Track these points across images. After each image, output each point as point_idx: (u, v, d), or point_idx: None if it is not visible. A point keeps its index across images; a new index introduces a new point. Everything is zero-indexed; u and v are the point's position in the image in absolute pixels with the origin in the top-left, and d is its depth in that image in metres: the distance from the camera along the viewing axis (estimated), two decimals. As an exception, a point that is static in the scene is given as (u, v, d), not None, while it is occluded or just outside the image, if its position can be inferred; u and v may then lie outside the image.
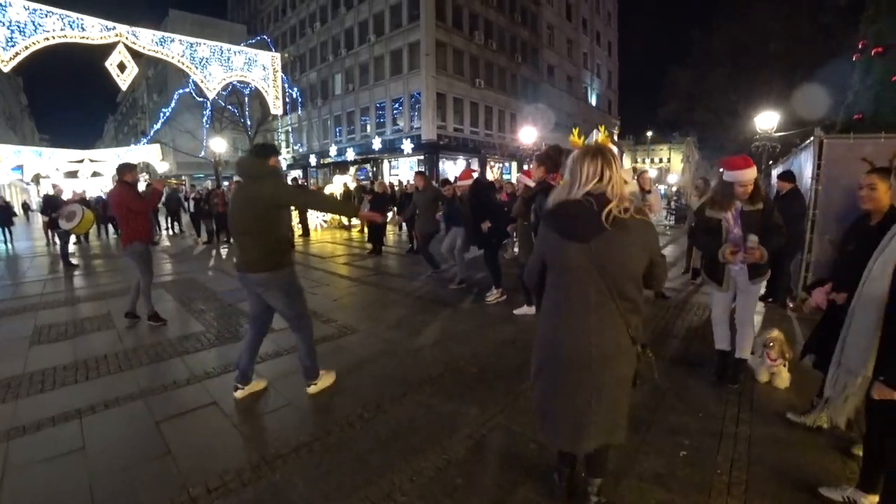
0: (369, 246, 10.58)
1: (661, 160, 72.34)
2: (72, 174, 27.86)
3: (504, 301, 6.05)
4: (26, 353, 4.41)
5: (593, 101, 46.70)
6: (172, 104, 24.17)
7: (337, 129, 34.76)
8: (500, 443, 2.79)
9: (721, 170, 3.22)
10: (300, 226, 13.81)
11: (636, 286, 1.76)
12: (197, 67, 15.21)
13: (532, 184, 5.00)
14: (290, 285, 3.26)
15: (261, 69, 17.22)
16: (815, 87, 20.10)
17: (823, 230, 5.69)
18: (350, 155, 31.78)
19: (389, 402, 3.31)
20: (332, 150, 33.42)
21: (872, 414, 2.06)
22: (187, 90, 24.12)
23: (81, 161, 27.56)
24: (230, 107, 27.54)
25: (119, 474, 2.49)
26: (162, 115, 25.93)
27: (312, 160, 35.45)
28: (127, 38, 13.51)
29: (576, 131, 2.06)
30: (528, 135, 22.60)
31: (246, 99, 27.15)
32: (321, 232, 15.49)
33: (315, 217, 15.54)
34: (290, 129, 37.62)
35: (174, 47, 14.70)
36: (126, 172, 5.19)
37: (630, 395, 1.90)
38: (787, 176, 5.94)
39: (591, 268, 1.68)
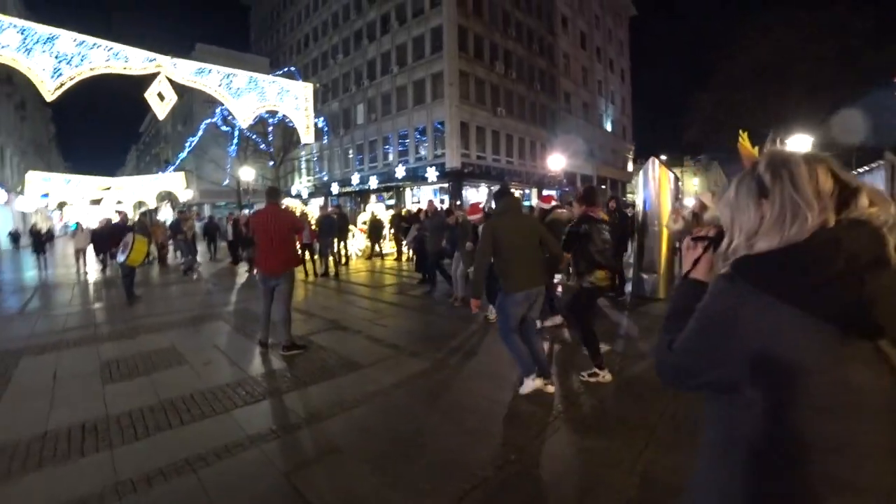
0: (404, 273, 10.21)
1: (674, 185, 72.23)
2: (96, 202, 28.15)
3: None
4: (102, 392, 4.07)
5: (608, 127, 46.94)
6: (200, 133, 24.45)
7: (358, 158, 35.02)
8: (665, 477, 2.57)
9: None
10: (342, 254, 13.15)
11: None
12: (233, 97, 15.33)
13: (548, 206, 6.15)
14: None
15: (293, 99, 17.34)
16: (844, 110, 19.94)
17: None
18: (373, 183, 31.86)
19: (530, 442, 3.00)
20: (355, 179, 33.55)
21: None
22: (214, 120, 24.51)
23: (108, 189, 27.85)
24: (254, 136, 27.83)
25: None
26: (188, 144, 26.24)
27: (335, 188, 35.59)
28: (167, 69, 13.66)
29: (744, 135, 1.35)
30: (556, 162, 22.54)
31: (270, 128, 27.44)
32: (355, 261, 15.20)
33: (352, 246, 15.27)
34: (312, 158, 37.96)
35: (212, 78, 14.84)
36: (279, 195, 5.12)
37: None
38: None
39: None
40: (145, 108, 14.26)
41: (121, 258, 7.60)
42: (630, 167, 50.92)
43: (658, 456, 2.79)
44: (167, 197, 30.41)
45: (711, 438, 0.89)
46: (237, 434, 3.16)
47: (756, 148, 1.03)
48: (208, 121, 23.99)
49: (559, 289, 6.62)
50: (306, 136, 18.14)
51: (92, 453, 3.00)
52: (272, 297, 5.15)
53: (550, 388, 3.76)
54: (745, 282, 0.80)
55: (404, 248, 14.78)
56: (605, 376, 4.09)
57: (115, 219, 10.50)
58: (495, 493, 2.44)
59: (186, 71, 14.48)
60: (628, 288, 8.37)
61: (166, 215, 32.82)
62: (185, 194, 29.21)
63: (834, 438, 0.72)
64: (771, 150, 0.89)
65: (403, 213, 15.65)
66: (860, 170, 9.74)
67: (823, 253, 0.74)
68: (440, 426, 3.26)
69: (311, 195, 38.17)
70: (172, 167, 29.06)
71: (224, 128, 23.99)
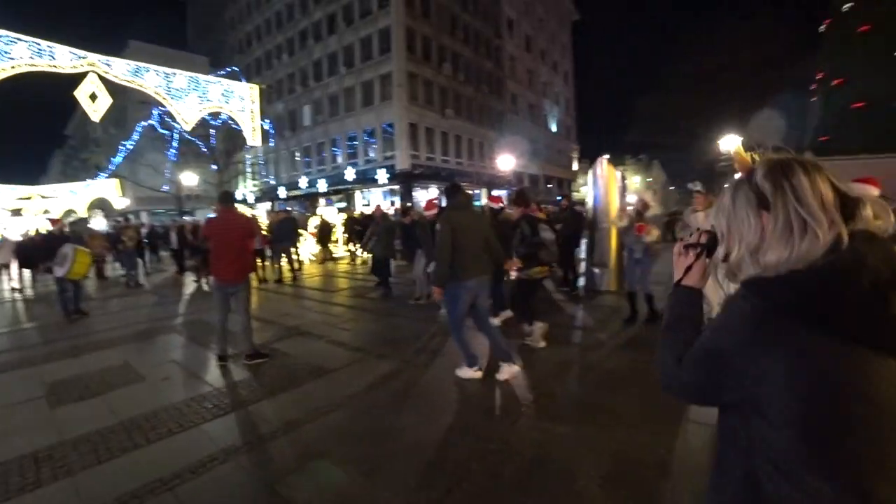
0: (358, 276, 10.07)
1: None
2: (17, 212, 25.91)
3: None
4: (52, 417, 3.82)
5: (553, 127, 48.42)
6: (135, 137, 23.04)
7: (306, 160, 34.23)
8: (636, 454, 2.82)
9: None
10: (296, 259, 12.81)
11: None
12: (173, 98, 14.61)
13: (497, 206, 6.71)
14: None
15: (238, 100, 16.75)
16: (767, 113, 21.78)
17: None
18: (321, 186, 31.24)
19: (507, 432, 3.18)
20: (303, 182, 32.76)
21: None
22: (150, 122, 23.14)
23: (30, 198, 25.73)
24: (196, 140, 26.57)
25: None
26: (121, 148, 24.63)
27: (282, 192, 34.59)
28: (99, 68, 12.82)
29: (739, 143, 1.17)
30: (506, 162, 23.07)
31: (213, 131, 26.27)
32: (308, 265, 14.88)
33: (304, 250, 14.93)
34: (258, 161, 36.68)
35: (150, 77, 14.11)
36: (234, 200, 4.99)
37: None
38: None
39: None
40: (71, 108, 13.44)
41: (60, 272, 7.04)
42: (575, 166, 52.80)
43: (627, 436, 3.00)
44: (100, 205, 28.47)
45: (730, 464, 0.86)
46: (211, 448, 3.08)
47: (749, 154, 1.01)
48: (144, 123, 22.60)
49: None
50: (253, 138, 17.63)
51: (51, 483, 2.81)
52: (228, 307, 5.01)
53: (516, 368, 4.11)
54: (766, 304, 0.78)
55: (359, 252, 14.66)
56: (537, 332, 5.03)
57: (46, 229, 9.72)
58: (482, 482, 2.55)
59: (121, 70, 13.70)
60: (581, 282, 8.75)
61: (99, 224, 30.68)
62: (120, 202, 27.47)
63: (870, 458, 0.71)
64: (768, 158, 0.87)
65: (357, 216, 15.50)
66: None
67: (851, 274, 0.73)
68: (419, 424, 3.33)
69: (258, 199, 36.95)
70: (105, 174, 27.20)
71: (162, 130, 22.72)
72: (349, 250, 15.32)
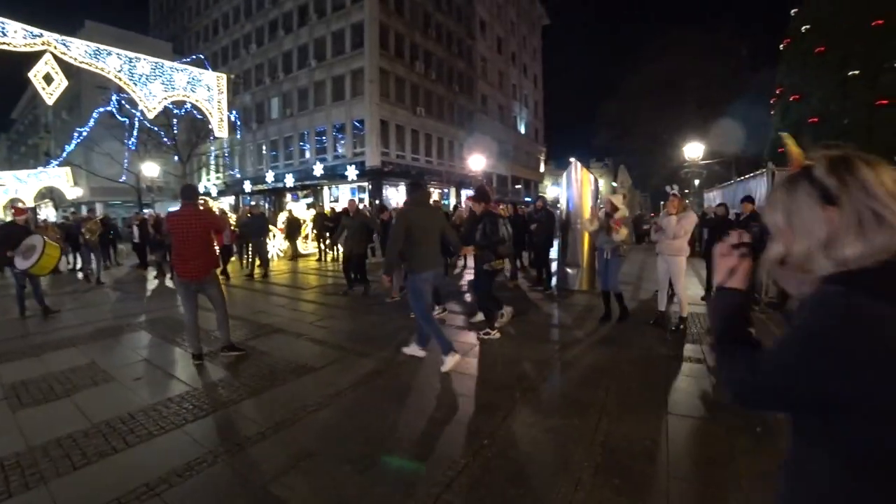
0: (329, 273, 9.83)
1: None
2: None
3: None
4: (14, 421, 3.59)
5: (522, 129, 49.05)
6: (91, 123, 21.83)
7: (273, 154, 33.36)
8: (622, 444, 2.95)
9: None
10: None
11: None
12: (136, 84, 13.92)
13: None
14: None
15: (205, 89, 16.11)
16: (727, 123, 22.77)
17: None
18: (289, 181, 30.53)
19: (498, 427, 3.22)
20: (269, 176, 31.92)
21: None
22: (108, 108, 22.03)
23: (-29, 186, 24.04)
24: (157, 128, 25.43)
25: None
26: (75, 135, 23.30)
27: (247, 186, 33.60)
28: (56, 48, 12.08)
29: (789, 138, 1.14)
30: (477, 162, 23.21)
31: (175, 120, 25.20)
32: (277, 262, 14.56)
33: (272, 246, 14.60)
34: (223, 153, 35.43)
35: (111, 61, 13.39)
36: (197, 194, 4.81)
37: None
38: (749, 199, 7.06)
39: None
40: (19, 90, 12.57)
41: (23, 265, 6.57)
42: (542, 168, 53.72)
43: (612, 427, 3.14)
44: (49, 195, 26.89)
45: (814, 471, 0.84)
46: (197, 450, 2.98)
47: (801, 150, 0.97)
48: (101, 109, 21.45)
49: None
50: (220, 129, 16.97)
51: (23, 492, 2.62)
52: (196, 303, 4.85)
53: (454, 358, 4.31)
54: (865, 296, 0.75)
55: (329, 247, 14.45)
56: (495, 334, 5.38)
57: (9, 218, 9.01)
58: (479, 476, 2.59)
59: (79, 51, 12.95)
60: (554, 281, 8.94)
61: (48, 215, 29.01)
62: (72, 192, 26.00)
63: None
64: (827, 154, 0.86)
65: (327, 213, 15.24)
66: (745, 176, 11.14)
67: None
68: (409, 421, 3.35)
69: (221, 193, 35.77)
70: (56, 161, 25.65)
71: (121, 118, 21.66)
72: (318, 247, 15.06)
